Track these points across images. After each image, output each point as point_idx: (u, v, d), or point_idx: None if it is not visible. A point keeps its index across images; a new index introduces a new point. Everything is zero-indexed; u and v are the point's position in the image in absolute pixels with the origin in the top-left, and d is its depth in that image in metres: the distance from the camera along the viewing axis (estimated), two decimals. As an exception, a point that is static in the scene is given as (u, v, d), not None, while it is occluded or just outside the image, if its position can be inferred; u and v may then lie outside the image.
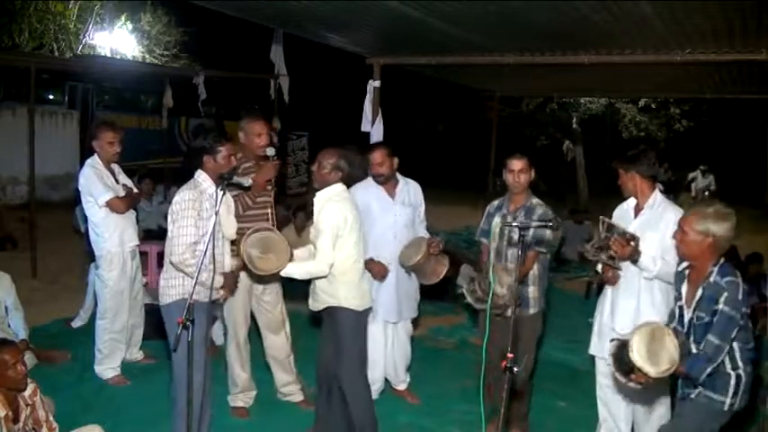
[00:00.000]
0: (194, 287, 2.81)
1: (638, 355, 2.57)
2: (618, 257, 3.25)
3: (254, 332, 4.25)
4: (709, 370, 2.57)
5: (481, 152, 11.77)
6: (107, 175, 4.42)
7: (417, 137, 19.04)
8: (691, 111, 15.54)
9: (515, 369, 2.59)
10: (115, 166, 4.55)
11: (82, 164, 4.51)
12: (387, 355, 4.31)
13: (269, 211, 3.97)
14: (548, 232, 3.60)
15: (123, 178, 4.60)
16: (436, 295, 5.62)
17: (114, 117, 11.54)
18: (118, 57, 15.32)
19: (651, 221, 3.34)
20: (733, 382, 2.62)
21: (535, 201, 3.75)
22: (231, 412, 4.06)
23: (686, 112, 15.56)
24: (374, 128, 6.02)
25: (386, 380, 4.42)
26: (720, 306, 2.53)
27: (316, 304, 3.55)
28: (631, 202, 3.53)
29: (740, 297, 2.54)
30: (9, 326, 4.56)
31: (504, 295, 3.41)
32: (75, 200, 5.50)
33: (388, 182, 4.12)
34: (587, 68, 5.84)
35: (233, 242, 3.61)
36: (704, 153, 16.38)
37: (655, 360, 2.57)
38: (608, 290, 3.54)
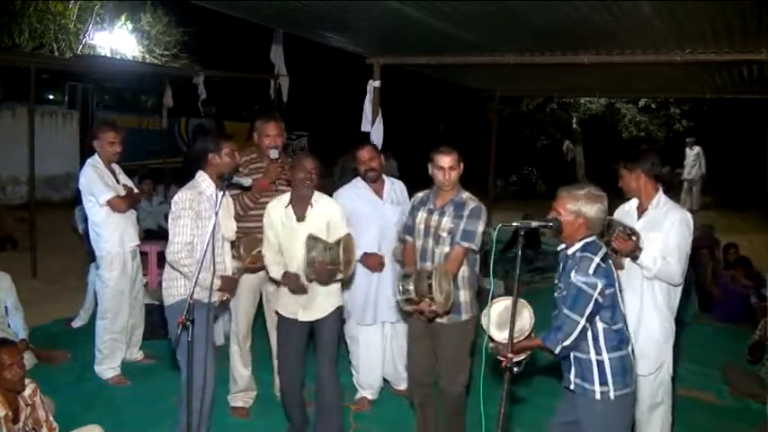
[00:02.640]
0: (194, 287, 2.83)
1: (486, 320, 2.69)
2: (620, 253, 3.20)
3: (262, 330, 4.25)
4: (565, 343, 2.58)
5: (481, 152, 11.76)
6: (108, 175, 4.42)
7: (417, 137, 19.03)
8: (691, 111, 15.57)
9: (516, 369, 2.56)
10: (115, 167, 4.55)
11: (82, 164, 4.51)
12: (386, 355, 4.32)
13: None
14: (479, 226, 3.33)
15: (124, 178, 4.60)
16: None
17: (114, 117, 11.51)
18: (118, 57, 15.31)
19: (655, 222, 3.30)
20: (595, 368, 2.64)
21: (465, 195, 3.43)
22: (231, 412, 4.06)
23: (686, 112, 15.59)
24: (374, 128, 6.02)
25: (384, 380, 4.43)
26: (572, 278, 2.58)
27: (315, 313, 3.50)
28: (633, 203, 3.48)
29: (590, 271, 2.55)
30: (9, 326, 4.56)
31: (441, 304, 3.17)
32: (76, 200, 5.51)
33: (378, 179, 4.06)
34: (587, 68, 5.84)
35: (232, 243, 3.62)
36: (704, 153, 16.39)
37: (503, 327, 2.63)
38: None
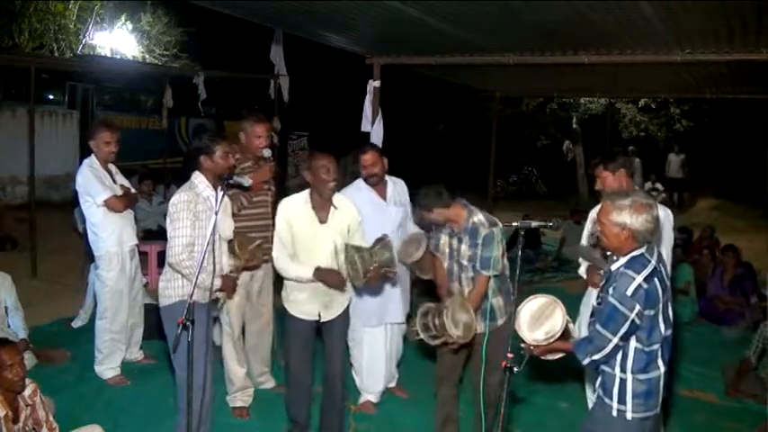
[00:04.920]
0: (193, 288, 2.82)
1: (520, 318, 2.60)
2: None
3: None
4: (595, 357, 2.48)
5: (481, 152, 11.75)
6: (105, 175, 4.42)
7: (417, 137, 19.02)
8: (691, 111, 15.55)
9: (516, 368, 2.56)
10: (112, 167, 4.55)
11: (81, 164, 4.51)
12: (388, 358, 4.32)
13: (268, 210, 3.98)
14: (496, 251, 3.31)
15: (120, 178, 4.60)
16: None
17: (114, 117, 11.54)
18: (118, 57, 15.29)
19: None
20: (617, 385, 2.52)
21: (476, 219, 3.35)
22: (231, 412, 4.06)
23: (686, 112, 15.56)
24: (374, 128, 6.02)
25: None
26: (608, 296, 2.45)
27: (335, 311, 3.53)
28: None
29: (628, 292, 2.39)
30: (9, 326, 4.56)
31: (459, 337, 3.19)
32: (75, 200, 5.51)
33: (380, 183, 4.05)
34: (587, 68, 5.84)
35: (230, 242, 3.63)
36: (704, 153, 16.40)
37: (534, 327, 2.58)
38: (592, 291, 3.53)
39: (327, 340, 3.58)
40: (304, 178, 3.49)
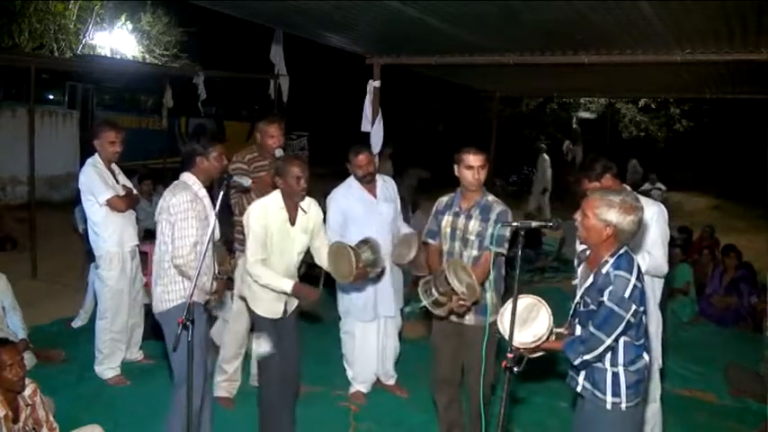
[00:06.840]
0: (194, 289, 2.80)
1: (505, 321, 2.60)
2: None
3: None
4: (586, 357, 2.49)
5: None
6: (108, 175, 4.43)
7: (417, 137, 19.03)
8: (691, 111, 15.59)
9: (515, 368, 2.56)
10: (115, 167, 4.56)
11: (82, 164, 4.52)
12: (380, 350, 4.38)
13: None
14: (507, 230, 3.32)
15: (123, 179, 4.60)
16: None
17: (114, 117, 11.52)
18: (118, 57, 15.29)
19: None
20: (609, 379, 2.52)
21: (491, 198, 3.44)
22: (215, 401, 3.98)
23: (686, 112, 15.61)
24: (374, 128, 6.03)
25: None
26: (605, 299, 2.42)
27: (293, 302, 3.55)
28: None
29: (625, 295, 2.39)
30: (8, 326, 4.56)
31: (464, 293, 3.15)
32: (76, 200, 5.51)
33: (372, 181, 4.17)
34: (587, 68, 5.84)
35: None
36: (704, 153, 16.41)
37: (521, 329, 2.58)
38: None
39: (282, 333, 3.49)
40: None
